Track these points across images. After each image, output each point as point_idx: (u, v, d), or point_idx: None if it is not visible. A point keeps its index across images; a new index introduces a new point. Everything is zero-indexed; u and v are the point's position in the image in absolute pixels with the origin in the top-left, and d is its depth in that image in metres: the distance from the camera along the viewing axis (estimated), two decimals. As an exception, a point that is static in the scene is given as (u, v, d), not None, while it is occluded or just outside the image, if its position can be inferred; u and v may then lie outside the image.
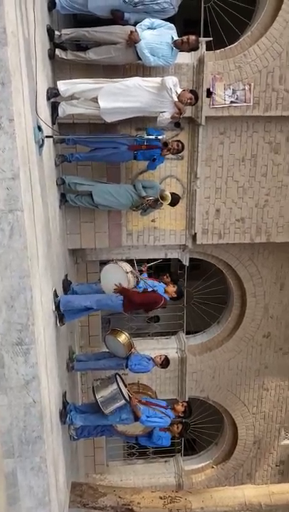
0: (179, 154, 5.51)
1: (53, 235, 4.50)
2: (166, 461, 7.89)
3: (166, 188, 5.60)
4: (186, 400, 6.81)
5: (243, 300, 6.95)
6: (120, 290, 4.66)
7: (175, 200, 5.18)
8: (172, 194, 5.11)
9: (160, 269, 7.07)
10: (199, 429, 7.80)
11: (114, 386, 4.72)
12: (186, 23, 5.10)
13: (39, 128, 3.86)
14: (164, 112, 4.78)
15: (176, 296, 5.04)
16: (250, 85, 5.24)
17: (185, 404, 5.01)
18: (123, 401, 4.67)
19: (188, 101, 4.74)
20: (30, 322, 3.34)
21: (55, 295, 4.47)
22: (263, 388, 7.44)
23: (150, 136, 4.70)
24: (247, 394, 7.44)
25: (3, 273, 3.25)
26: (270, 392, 7.49)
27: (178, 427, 4.93)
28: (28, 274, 3.29)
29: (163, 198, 5.00)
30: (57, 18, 4.93)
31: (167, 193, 5.01)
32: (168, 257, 6.61)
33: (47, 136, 4.07)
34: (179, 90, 4.71)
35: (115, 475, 7.56)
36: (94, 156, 5.22)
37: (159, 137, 4.69)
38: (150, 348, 6.96)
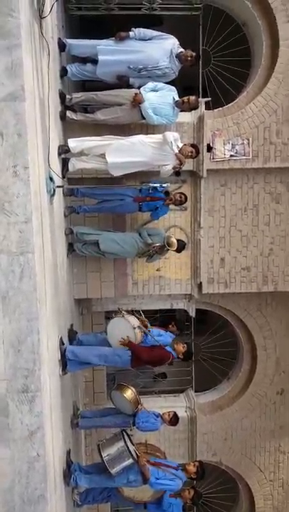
0: (182, 205, 5.70)
1: (60, 282, 4.52)
2: (177, 536, 7.15)
3: (173, 237, 5.70)
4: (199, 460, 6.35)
5: (253, 354, 6.76)
6: (128, 344, 4.57)
7: (181, 246, 5.28)
8: (178, 240, 5.21)
9: (166, 320, 6.97)
10: (212, 499, 7.19)
11: (121, 443, 4.44)
12: (185, 89, 5.56)
13: (51, 179, 4.05)
14: (167, 164, 5.03)
15: (183, 356, 4.91)
16: (248, 140, 5.56)
17: (197, 464, 4.66)
18: (131, 460, 4.36)
19: (190, 154, 5.01)
20: (36, 367, 3.25)
21: (61, 343, 4.38)
22: (279, 451, 6.97)
23: (155, 184, 4.89)
24: (262, 458, 6.95)
25: (11, 315, 3.22)
26: (287, 456, 7.00)
27: (189, 493, 4.54)
28: (36, 317, 3.26)
29: (169, 244, 5.09)
30: (68, 84, 5.38)
31: (173, 240, 5.11)
32: (174, 307, 6.56)
33: (58, 186, 4.26)
34: (180, 145, 5.00)
35: None
36: (101, 207, 5.41)
37: (164, 185, 4.89)
38: (157, 406, 6.61)
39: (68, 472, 4.35)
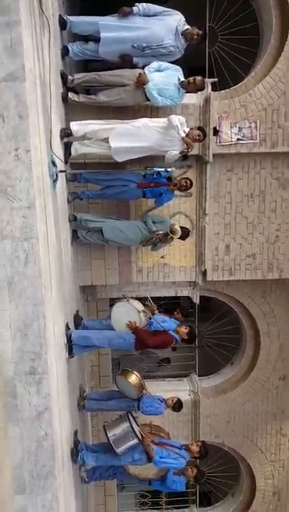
0: (188, 191, 5.65)
1: (65, 270, 4.53)
2: (180, 513, 7.37)
3: (176, 224, 5.67)
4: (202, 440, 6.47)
5: (257, 340, 6.78)
6: (134, 329, 4.62)
7: (185, 234, 5.23)
8: (182, 228, 5.17)
9: (171, 307, 7.01)
10: (214, 478, 7.34)
11: (126, 424, 4.54)
12: (190, 70, 5.42)
13: (53, 163, 4.02)
14: (173, 150, 4.95)
15: (187, 338, 4.94)
16: (256, 123, 5.44)
17: (200, 444, 4.75)
18: (135, 440, 4.47)
19: (197, 137, 4.91)
20: (43, 351, 3.30)
21: (67, 328, 4.42)
22: (280, 434, 7.07)
23: (160, 169, 4.83)
24: (264, 440, 7.06)
25: (17, 300, 3.25)
26: (288, 438, 7.10)
27: (192, 471, 4.64)
28: (42, 302, 3.29)
29: (173, 231, 5.05)
30: (69, 64, 5.26)
31: (177, 227, 5.07)
32: (178, 294, 6.57)
33: (60, 171, 4.22)
34: (187, 129, 4.91)
35: (127, 527, 7.06)
36: (104, 193, 5.36)
37: (168, 170, 4.82)
38: (161, 390, 6.70)
39: (76, 451, 4.47)
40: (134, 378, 4.92)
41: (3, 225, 3.17)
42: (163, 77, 4.81)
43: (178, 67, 4.91)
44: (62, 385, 3.94)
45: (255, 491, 7.12)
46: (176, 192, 5.43)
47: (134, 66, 4.91)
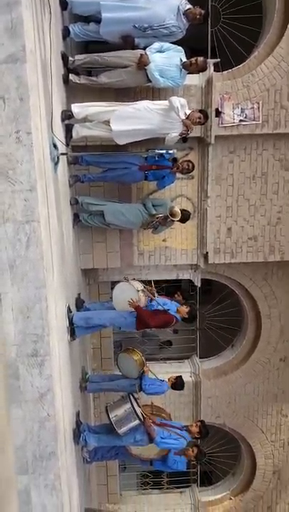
0: (190, 174, 5.61)
1: (66, 253, 4.54)
2: (181, 492, 7.54)
3: (177, 207, 5.65)
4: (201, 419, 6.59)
5: (258, 322, 6.83)
6: (135, 307, 4.65)
7: (185, 217, 5.22)
8: (182, 210, 5.15)
9: (172, 290, 7.04)
10: (215, 458, 7.50)
11: (128, 405, 4.61)
12: (192, 50, 5.32)
13: (54, 146, 3.98)
14: (174, 132, 4.90)
15: (187, 317, 4.98)
16: (258, 104, 5.37)
17: (199, 424, 4.84)
18: (137, 421, 4.54)
19: (198, 120, 4.86)
20: (45, 333, 3.33)
21: (69, 310, 4.46)
22: (281, 414, 7.17)
23: (162, 151, 4.79)
24: (265, 420, 7.17)
25: (19, 283, 3.26)
26: (288, 419, 7.21)
27: (193, 451, 4.74)
28: (43, 285, 3.30)
29: (173, 214, 5.03)
30: (70, 45, 5.17)
31: (177, 210, 5.05)
32: (179, 277, 6.59)
33: (62, 154, 4.19)
34: (188, 111, 4.85)
35: (129, 505, 7.25)
36: (106, 176, 5.33)
37: (170, 152, 4.78)
38: (163, 371, 6.78)
39: (78, 432, 4.55)
40: (136, 355, 5.04)
41: (5, 208, 3.16)
42: (164, 58, 4.74)
43: (180, 47, 4.83)
44: (64, 367, 3.99)
45: (255, 470, 7.27)
46: (178, 175, 5.40)
47: (135, 47, 4.83)
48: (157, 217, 5.19)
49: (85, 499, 5.17)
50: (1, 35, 2.91)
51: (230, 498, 7.38)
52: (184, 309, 4.93)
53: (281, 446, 7.24)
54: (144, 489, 7.87)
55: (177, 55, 4.78)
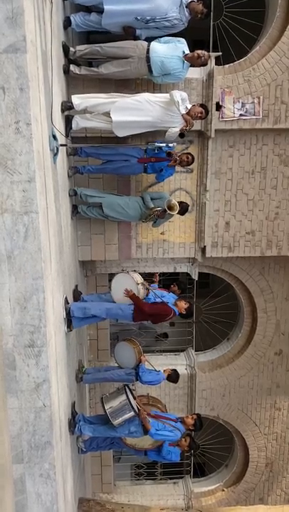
0: (189, 167, 5.60)
1: (64, 244, 4.54)
2: (174, 483, 7.65)
3: (174, 200, 5.65)
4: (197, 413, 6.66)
5: (254, 316, 6.87)
6: (131, 296, 4.67)
7: (184, 209, 5.22)
8: (180, 203, 5.15)
9: (169, 283, 7.06)
10: (209, 449, 7.58)
11: (124, 397, 4.65)
12: (194, 43, 5.29)
13: (54, 137, 3.96)
14: (174, 127, 4.88)
15: (185, 312, 5.01)
16: (259, 98, 5.35)
17: (195, 416, 4.89)
18: (132, 413, 4.59)
19: (199, 115, 4.86)
20: (42, 324, 3.34)
21: (66, 302, 4.47)
22: (275, 408, 7.25)
23: (161, 144, 4.78)
24: (258, 413, 7.25)
25: (17, 274, 3.27)
26: (282, 412, 7.29)
27: (186, 440, 4.80)
28: (41, 276, 3.31)
29: (170, 207, 5.03)
30: (71, 36, 5.13)
31: (175, 202, 5.04)
32: (177, 270, 6.62)
33: (61, 145, 4.17)
34: (189, 106, 4.83)
35: (122, 495, 7.33)
36: (105, 168, 5.32)
37: (170, 145, 4.77)
38: (158, 363, 6.80)
39: (73, 422, 4.59)
40: (133, 343, 5.09)
41: (3, 198, 3.16)
42: (166, 49, 4.71)
43: (183, 39, 4.80)
44: (60, 358, 4.01)
45: (248, 462, 7.36)
46: (177, 168, 5.40)
47: (137, 38, 4.79)
48: (156, 211, 5.20)
49: (79, 489, 5.23)
50: (2, 24, 2.89)
51: (223, 490, 7.48)
52: (183, 305, 4.96)
53: (274, 439, 7.33)
54: (138, 480, 7.96)
55: (180, 46, 4.75)
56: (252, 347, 6.92)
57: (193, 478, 7.69)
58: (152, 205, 5.24)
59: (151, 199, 5.32)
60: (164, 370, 5.24)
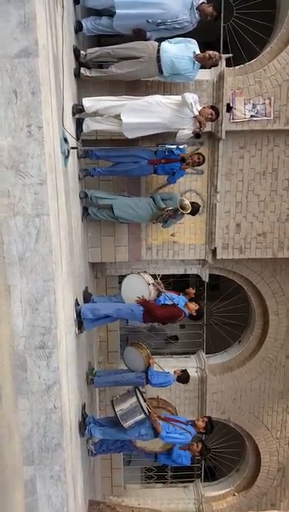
0: (199, 168, 5.59)
1: (75, 246, 4.57)
2: (185, 487, 7.59)
3: (186, 200, 5.63)
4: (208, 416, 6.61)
5: (265, 319, 6.81)
6: (142, 302, 4.66)
7: (195, 209, 5.21)
8: (192, 203, 5.14)
9: (179, 285, 7.04)
10: (220, 453, 7.52)
11: (134, 399, 4.65)
12: (205, 45, 5.28)
13: (65, 140, 3.99)
14: (184, 128, 4.88)
15: (195, 314, 4.99)
16: (270, 99, 5.32)
17: (206, 419, 4.87)
18: (142, 415, 4.58)
19: (209, 116, 4.85)
20: (53, 325, 3.36)
21: (77, 303, 4.49)
22: (286, 412, 7.16)
23: (172, 146, 4.78)
24: (270, 417, 7.17)
25: (28, 276, 3.30)
26: (294, 416, 7.21)
27: (198, 446, 4.77)
28: (52, 278, 3.33)
29: (183, 207, 5.03)
30: (82, 40, 5.17)
31: (187, 202, 5.04)
32: (187, 272, 6.59)
33: (72, 148, 4.21)
34: (200, 107, 4.83)
35: (133, 498, 7.31)
36: (115, 170, 5.34)
37: (181, 147, 4.77)
38: (169, 366, 6.80)
39: (83, 424, 4.59)
40: (141, 348, 5.08)
41: (15, 201, 3.18)
42: (177, 49, 4.71)
43: (193, 40, 4.80)
44: (71, 359, 4.03)
45: (259, 467, 7.28)
46: (188, 169, 5.38)
47: (147, 39, 4.81)
48: (167, 211, 5.19)
49: (89, 491, 5.23)
50: (14, 29, 2.92)
51: (234, 494, 7.41)
52: (194, 306, 4.95)
53: (286, 443, 7.24)
54: (148, 483, 7.93)
55: (191, 47, 4.76)
56: (263, 350, 6.85)
57: (203, 482, 7.64)
58: (164, 206, 5.24)
59: (162, 200, 5.32)
60: (174, 372, 5.22)
